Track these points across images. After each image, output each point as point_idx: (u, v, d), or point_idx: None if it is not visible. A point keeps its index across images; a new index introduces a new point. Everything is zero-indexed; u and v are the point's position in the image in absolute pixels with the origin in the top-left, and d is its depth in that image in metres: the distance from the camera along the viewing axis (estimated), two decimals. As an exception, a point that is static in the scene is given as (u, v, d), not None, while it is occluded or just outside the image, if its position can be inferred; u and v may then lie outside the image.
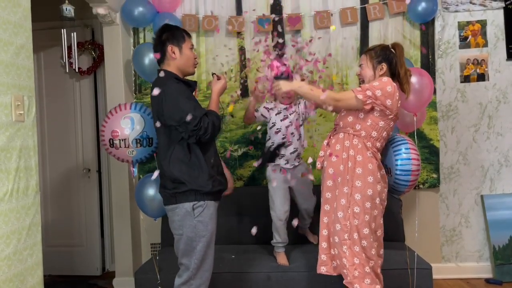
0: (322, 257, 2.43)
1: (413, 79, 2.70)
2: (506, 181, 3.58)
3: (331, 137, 2.49)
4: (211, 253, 2.28)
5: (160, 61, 2.38)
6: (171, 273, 2.38)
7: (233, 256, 2.99)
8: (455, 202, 3.62)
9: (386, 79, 2.29)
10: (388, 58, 2.37)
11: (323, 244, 2.43)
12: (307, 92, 2.37)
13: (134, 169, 2.91)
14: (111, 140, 2.79)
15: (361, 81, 2.44)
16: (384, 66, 2.36)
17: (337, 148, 2.39)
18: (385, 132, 2.36)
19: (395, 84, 2.32)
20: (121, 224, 3.60)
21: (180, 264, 2.30)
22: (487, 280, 3.48)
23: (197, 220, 2.21)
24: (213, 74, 2.50)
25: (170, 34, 2.34)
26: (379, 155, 2.39)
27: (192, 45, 2.41)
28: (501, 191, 3.58)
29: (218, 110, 2.35)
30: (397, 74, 2.40)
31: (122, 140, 2.81)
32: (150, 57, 3.27)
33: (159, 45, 2.35)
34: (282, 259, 2.90)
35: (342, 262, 2.30)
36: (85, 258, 4.08)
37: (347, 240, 2.28)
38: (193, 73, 2.43)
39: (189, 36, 2.41)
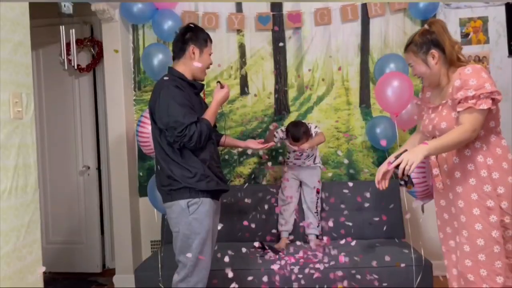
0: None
1: (395, 83, 2.88)
2: (507, 178, 3.56)
3: None
4: (207, 250, 2.28)
5: (175, 57, 2.37)
6: (172, 270, 2.38)
7: (232, 253, 2.98)
8: (455, 200, 3.60)
9: (471, 68, 1.92)
10: (433, 41, 2.00)
11: (453, 270, 2.06)
12: (442, 146, 1.87)
13: None
14: None
15: (422, 80, 2.11)
16: (435, 52, 1.99)
17: (455, 162, 2.00)
18: (499, 113, 2.02)
19: (479, 66, 1.97)
20: (121, 221, 3.59)
21: (178, 261, 2.30)
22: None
23: (192, 217, 2.21)
24: (217, 82, 2.47)
25: (194, 35, 2.33)
26: (505, 140, 2.00)
27: (211, 52, 2.41)
28: (502, 189, 3.56)
29: (213, 119, 2.33)
30: (448, 53, 1.99)
31: None
32: (158, 58, 3.24)
33: (180, 42, 2.34)
34: (280, 243, 3.11)
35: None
36: (85, 255, 4.07)
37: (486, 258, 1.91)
38: (202, 80, 2.43)
39: (211, 42, 2.40)
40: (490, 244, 1.90)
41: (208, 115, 2.30)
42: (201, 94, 2.49)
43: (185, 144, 2.18)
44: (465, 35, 3.54)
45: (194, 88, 2.35)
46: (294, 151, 3.16)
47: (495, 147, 1.96)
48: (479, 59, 3.53)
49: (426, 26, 2.05)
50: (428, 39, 2.00)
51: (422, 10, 3.40)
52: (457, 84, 1.92)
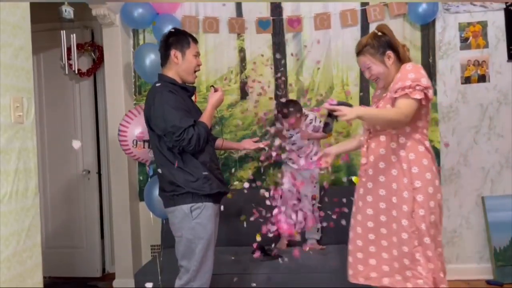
0: (384, 267, 2.17)
1: None
2: (506, 182, 3.56)
3: (369, 141, 2.23)
4: (210, 255, 2.28)
5: (162, 64, 2.40)
6: (172, 275, 2.38)
7: (233, 258, 2.99)
8: (455, 204, 3.60)
9: (411, 65, 2.11)
10: (387, 43, 2.16)
11: (383, 255, 2.18)
12: (376, 115, 2.07)
13: (150, 168, 2.91)
14: (135, 141, 2.79)
15: (375, 80, 2.24)
16: (390, 53, 2.14)
17: (381, 153, 2.15)
18: (428, 116, 2.15)
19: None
20: (121, 226, 3.59)
21: (180, 266, 2.30)
22: (488, 282, 3.47)
23: (195, 222, 2.21)
24: (211, 86, 2.50)
25: (175, 39, 2.35)
26: (429, 142, 2.17)
27: (198, 52, 2.40)
28: (501, 192, 3.57)
29: (210, 122, 2.34)
30: (401, 54, 2.17)
31: (147, 141, 2.81)
32: (151, 58, 3.26)
33: (163, 48, 2.37)
34: (281, 243, 3.07)
35: (416, 272, 2.08)
36: (85, 260, 4.07)
37: (419, 246, 2.07)
38: (192, 82, 2.43)
39: (196, 42, 2.41)
40: (400, 230, 2.09)
41: (204, 118, 2.31)
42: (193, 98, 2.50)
43: (184, 147, 2.18)
44: (464, 40, 3.55)
45: (186, 91, 2.37)
46: (289, 137, 3.07)
47: (417, 145, 2.11)
48: (479, 64, 3.54)
49: (376, 30, 2.21)
50: (383, 41, 2.16)
51: (421, 15, 3.41)
52: (398, 76, 2.10)
